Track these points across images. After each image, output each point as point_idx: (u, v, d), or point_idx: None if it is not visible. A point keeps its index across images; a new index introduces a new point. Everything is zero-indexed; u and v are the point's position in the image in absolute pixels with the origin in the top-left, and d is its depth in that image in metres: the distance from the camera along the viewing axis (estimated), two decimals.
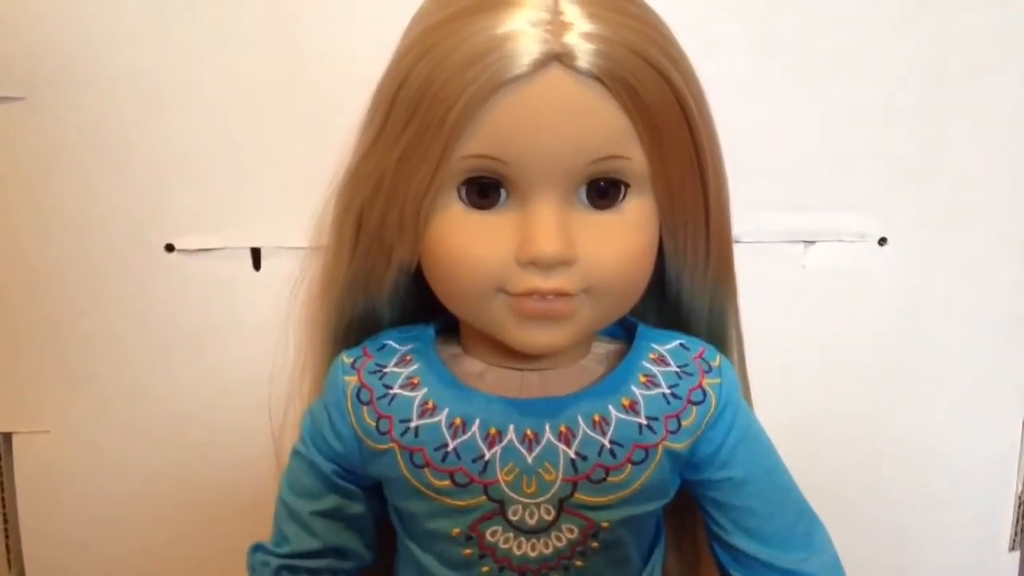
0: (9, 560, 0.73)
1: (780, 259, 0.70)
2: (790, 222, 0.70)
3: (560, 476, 0.49)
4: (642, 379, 0.51)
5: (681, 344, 0.53)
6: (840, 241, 0.70)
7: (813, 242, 0.70)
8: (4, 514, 0.72)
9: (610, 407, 0.49)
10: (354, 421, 0.51)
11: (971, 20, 0.68)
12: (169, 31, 0.65)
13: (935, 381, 0.73)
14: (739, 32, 0.67)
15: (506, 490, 0.49)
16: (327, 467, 0.53)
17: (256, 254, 0.68)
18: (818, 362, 0.72)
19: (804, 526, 0.54)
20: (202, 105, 0.66)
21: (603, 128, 0.45)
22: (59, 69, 0.65)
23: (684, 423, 0.50)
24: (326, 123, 0.63)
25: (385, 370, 0.52)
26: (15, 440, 0.71)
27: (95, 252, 0.68)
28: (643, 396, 0.50)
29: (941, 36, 0.68)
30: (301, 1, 0.65)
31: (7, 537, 0.73)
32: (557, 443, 0.49)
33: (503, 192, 0.46)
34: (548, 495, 0.49)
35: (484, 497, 0.49)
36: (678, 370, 0.51)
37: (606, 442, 0.49)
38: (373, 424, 0.50)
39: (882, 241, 0.71)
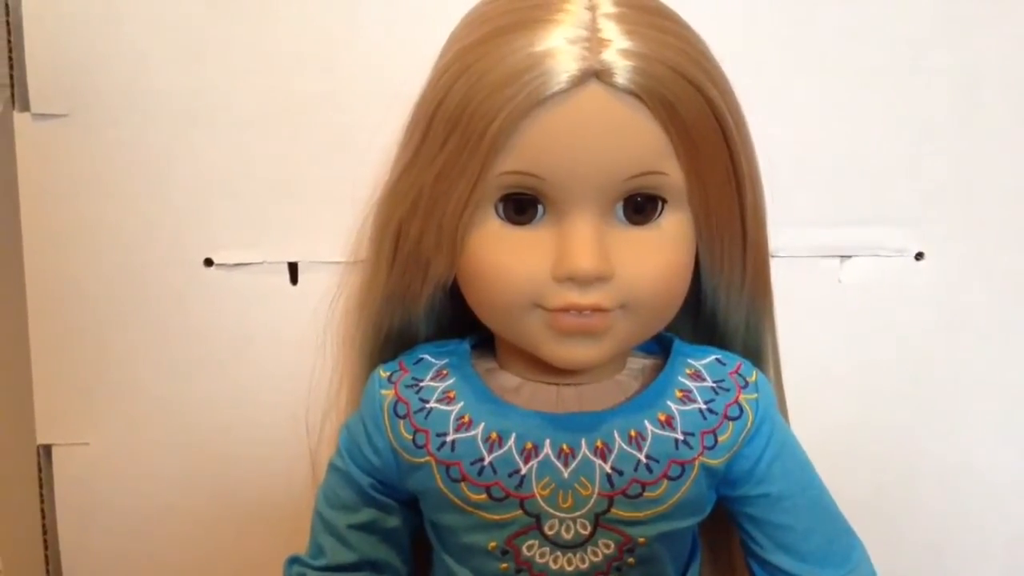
0: (48, 571, 0.74)
1: (816, 274, 0.70)
2: (826, 237, 0.69)
3: (596, 491, 0.48)
4: (678, 394, 0.50)
5: (717, 359, 0.53)
6: (876, 256, 0.70)
7: (849, 257, 0.70)
8: (44, 525, 0.73)
9: (646, 422, 0.49)
10: (391, 435, 0.52)
11: (1008, 33, 0.68)
12: (208, 49, 0.66)
13: (972, 396, 0.73)
14: (775, 47, 0.67)
15: (542, 504, 0.49)
16: (364, 480, 0.54)
17: (293, 269, 0.68)
18: (854, 377, 0.71)
19: (842, 542, 0.54)
20: (241, 122, 0.66)
21: (641, 144, 0.45)
22: (101, 87, 0.66)
23: (720, 439, 0.50)
24: (363, 140, 0.63)
25: (421, 384, 0.52)
26: (55, 452, 0.72)
27: (135, 266, 0.69)
28: (679, 411, 0.50)
29: (978, 49, 0.68)
30: (339, 20, 0.65)
31: (46, 548, 0.74)
32: (593, 458, 0.49)
33: (540, 208, 0.46)
34: (584, 510, 0.49)
35: (520, 511, 0.49)
36: (714, 385, 0.51)
37: (642, 457, 0.49)
38: (410, 438, 0.51)
39: (919, 256, 0.70)
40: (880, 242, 0.70)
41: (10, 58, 0.67)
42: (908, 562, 0.73)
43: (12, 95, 0.68)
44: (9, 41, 0.67)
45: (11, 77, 0.67)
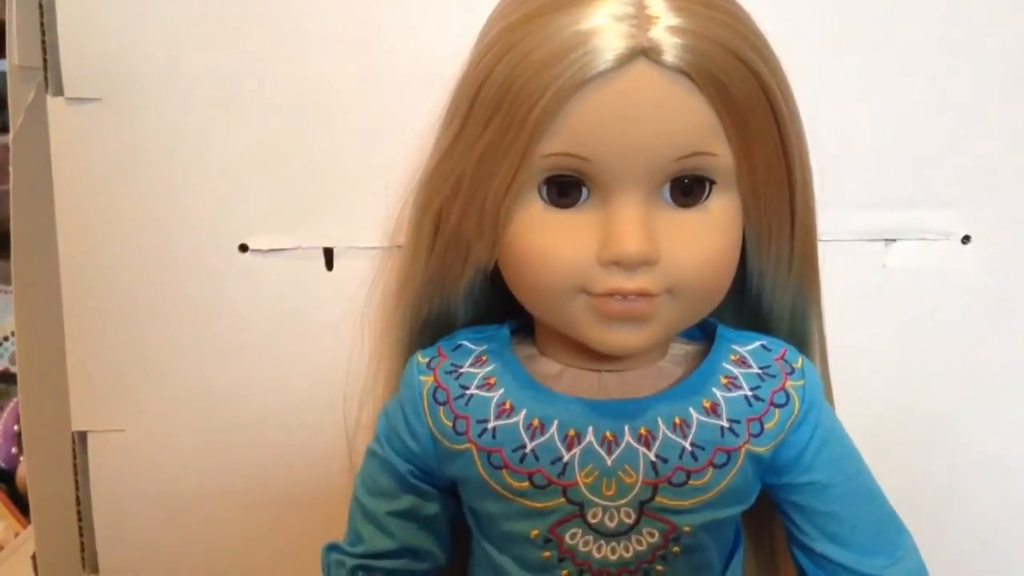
0: (83, 558, 0.74)
1: (860, 258, 0.68)
2: (870, 219, 0.68)
3: (640, 479, 0.48)
4: (723, 381, 0.50)
5: (762, 345, 0.52)
6: (922, 239, 0.68)
7: (894, 240, 0.69)
8: (79, 512, 0.73)
9: (691, 409, 0.49)
10: (430, 421, 0.51)
11: None
12: (243, 32, 0.65)
13: (1020, 384, 0.71)
14: (821, 25, 0.65)
15: (585, 492, 0.48)
16: (403, 467, 0.53)
17: (329, 254, 0.68)
18: (899, 364, 0.70)
19: (889, 531, 0.53)
20: (276, 106, 0.65)
21: (690, 124, 0.44)
22: (135, 70, 0.66)
23: (767, 426, 0.49)
24: (400, 124, 0.63)
25: (461, 370, 0.52)
26: (90, 439, 0.72)
27: (169, 252, 0.68)
28: (724, 398, 0.49)
29: None
30: (376, 2, 0.64)
31: (82, 535, 0.74)
32: (637, 445, 0.48)
33: (584, 191, 0.46)
34: (628, 498, 0.48)
35: (563, 499, 0.48)
36: (760, 372, 0.50)
37: (687, 445, 0.48)
38: (450, 424, 0.50)
39: (965, 239, 0.69)
40: (926, 225, 0.68)
41: (43, 42, 0.67)
42: (954, 551, 0.72)
43: (45, 79, 0.67)
44: (42, 25, 0.66)
45: (44, 61, 0.67)
